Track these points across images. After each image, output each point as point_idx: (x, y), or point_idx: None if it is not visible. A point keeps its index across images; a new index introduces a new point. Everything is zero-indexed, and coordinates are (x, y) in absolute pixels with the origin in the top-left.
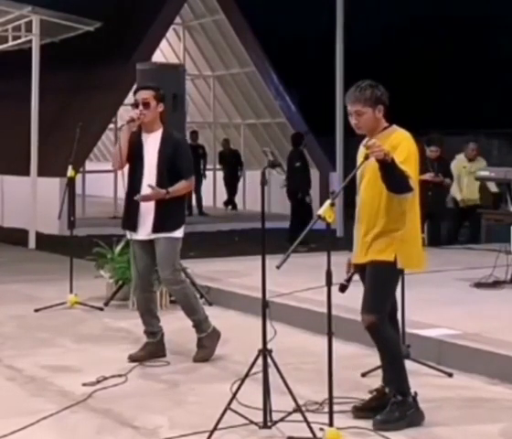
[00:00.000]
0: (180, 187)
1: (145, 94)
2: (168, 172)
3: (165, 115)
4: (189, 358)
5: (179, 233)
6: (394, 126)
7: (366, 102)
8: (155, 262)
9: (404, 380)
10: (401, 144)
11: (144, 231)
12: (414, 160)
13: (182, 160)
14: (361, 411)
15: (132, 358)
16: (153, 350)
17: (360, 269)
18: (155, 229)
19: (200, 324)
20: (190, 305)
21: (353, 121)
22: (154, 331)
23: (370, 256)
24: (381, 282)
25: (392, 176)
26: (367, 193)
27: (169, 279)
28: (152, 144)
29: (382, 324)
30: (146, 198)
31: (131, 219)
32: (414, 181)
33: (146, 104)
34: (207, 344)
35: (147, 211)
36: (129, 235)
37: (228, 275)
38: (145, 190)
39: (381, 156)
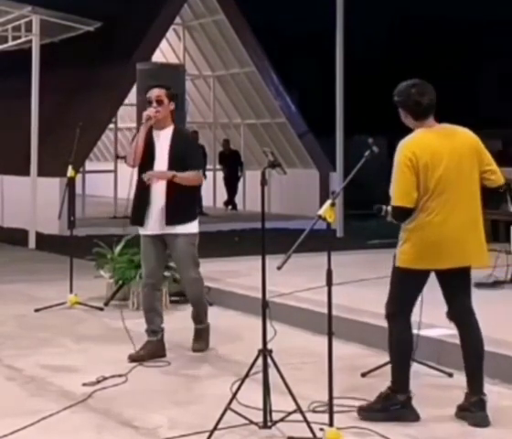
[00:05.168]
0: (188, 175)
1: (159, 92)
2: (178, 167)
3: (174, 114)
4: (189, 358)
5: (195, 228)
6: (416, 130)
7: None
8: (165, 259)
9: (400, 380)
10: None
11: (156, 226)
12: (401, 170)
13: (192, 155)
14: (366, 411)
15: (132, 358)
16: (153, 350)
17: None
18: (169, 221)
19: (204, 315)
20: (202, 300)
21: None
22: (155, 330)
23: None
24: (391, 277)
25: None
26: None
27: (195, 278)
28: (163, 141)
29: (391, 320)
30: (153, 175)
31: (140, 214)
32: (396, 191)
33: (160, 102)
34: (205, 335)
35: (157, 206)
36: (140, 231)
37: (228, 275)
38: (155, 185)
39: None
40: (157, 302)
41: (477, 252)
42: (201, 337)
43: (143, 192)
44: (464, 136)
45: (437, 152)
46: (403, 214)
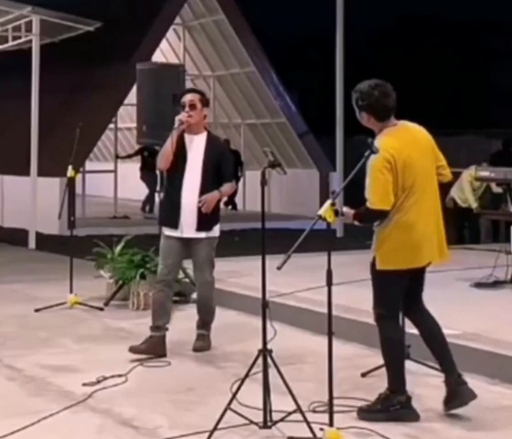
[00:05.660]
0: (227, 189)
1: (192, 97)
2: (211, 175)
3: (206, 120)
4: (189, 358)
5: (217, 232)
6: (385, 130)
7: (355, 104)
8: (183, 260)
9: (397, 380)
10: (368, 165)
11: (185, 230)
12: (380, 171)
13: (227, 165)
14: (366, 412)
15: (132, 350)
16: (154, 345)
17: None
18: (200, 227)
19: (209, 324)
20: (212, 305)
21: None
22: (159, 326)
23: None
24: (372, 280)
25: (362, 222)
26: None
27: (210, 281)
28: (196, 147)
29: (381, 322)
30: (208, 202)
31: (171, 216)
32: (375, 195)
33: (193, 106)
34: (207, 340)
35: (189, 210)
36: (167, 232)
37: (228, 275)
38: (187, 189)
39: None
40: (168, 300)
41: (441, 248)
42: (203, 339)
43: (174, 195)
44: (422, 133)
45: (410, 151)
46: (380, 217)
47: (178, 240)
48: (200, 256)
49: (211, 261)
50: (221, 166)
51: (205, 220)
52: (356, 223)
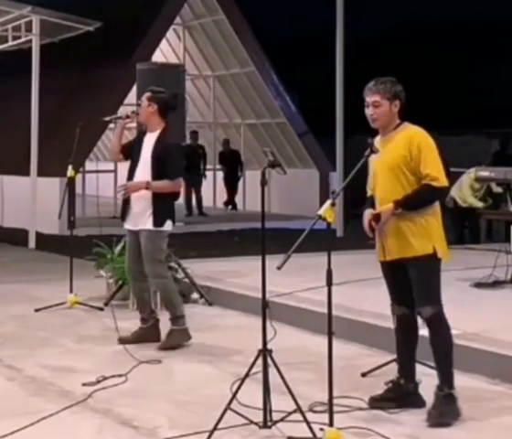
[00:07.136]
0: (162, 184)
1: (143, 96)
2: (159, 171)
3: (160, 117)
4: (189, 358)
5: (165, 227)
6: (406, 123)
7: (384, 95)
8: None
9: (451, 374)
10: (421, 145)
11: (132, 222)
12: (436, 151)
13: (169, 161)
14: (378, 401)
15: (121, 340)
16: (141, 335)
17: (390, 264)
18: (140, 220)
19: (176, 319)
20: (169, 299)
21: (370, 112)
22: (144, 318)
23: (411, 253)
24: (429, 274)
25: (415, 206)
26: (388, 190)
27: (150, 271)
28: (148, 143)
29: (442, 315)
30: (128, 188)
31: (122, 209)
32: (441, 173)
33: (138, 104)
34: (177, 337)
35: (134, 203)
36: (124, 224)
37: (228, 275)
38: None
39: (389, 214)
40: (145, 293)
41: None
42: (172, 336)
43: None
44: None
45: None
46: (446, 195)
47: (133, 234)
48: (143, 249)
49: (154, 255)
50: (165, 163)
51: (147, 214)
52: (394, 214)
